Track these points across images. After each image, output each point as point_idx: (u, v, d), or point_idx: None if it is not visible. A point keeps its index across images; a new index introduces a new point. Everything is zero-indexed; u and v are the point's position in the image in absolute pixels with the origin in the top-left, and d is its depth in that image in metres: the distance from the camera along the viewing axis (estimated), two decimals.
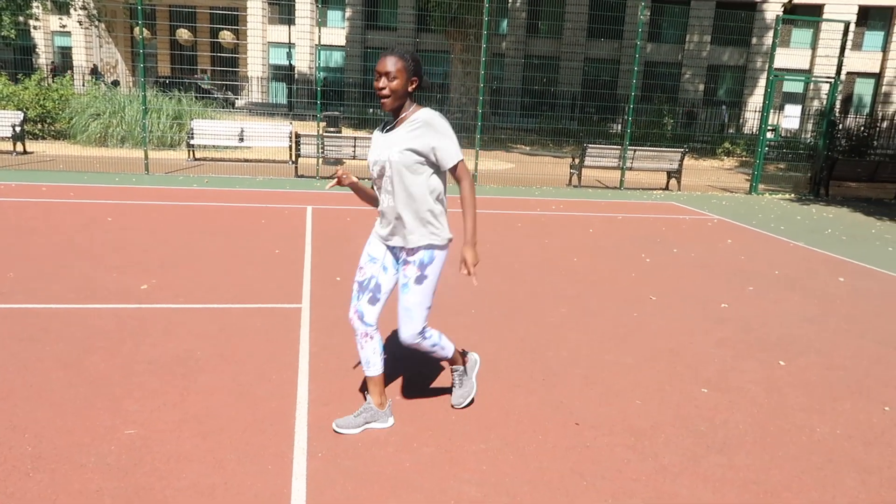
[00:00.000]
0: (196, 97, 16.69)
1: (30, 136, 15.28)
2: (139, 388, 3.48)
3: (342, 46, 37.21)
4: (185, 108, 15.65)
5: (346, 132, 18.63)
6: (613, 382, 3.89)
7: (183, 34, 37.56)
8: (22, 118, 13.14)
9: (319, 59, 12.01)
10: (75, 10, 28.43)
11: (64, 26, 38.97)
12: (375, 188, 3.08)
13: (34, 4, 28.30)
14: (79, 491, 2.59)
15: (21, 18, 27.66)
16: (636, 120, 22.82)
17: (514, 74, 36.16)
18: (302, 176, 12.16)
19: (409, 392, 3.62)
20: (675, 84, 35.72)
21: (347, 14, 36.92)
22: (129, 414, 3.21)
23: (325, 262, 6.24)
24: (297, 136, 12.03)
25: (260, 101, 36.30)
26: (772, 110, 30.57)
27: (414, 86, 2.92)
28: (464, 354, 3.49)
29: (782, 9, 26.27)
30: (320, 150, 12.07)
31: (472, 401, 3.50)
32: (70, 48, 41.18)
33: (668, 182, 13.60)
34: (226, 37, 37.95)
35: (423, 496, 2.68)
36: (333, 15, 37.91)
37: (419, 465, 2.90)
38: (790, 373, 4.17)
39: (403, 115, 2.95)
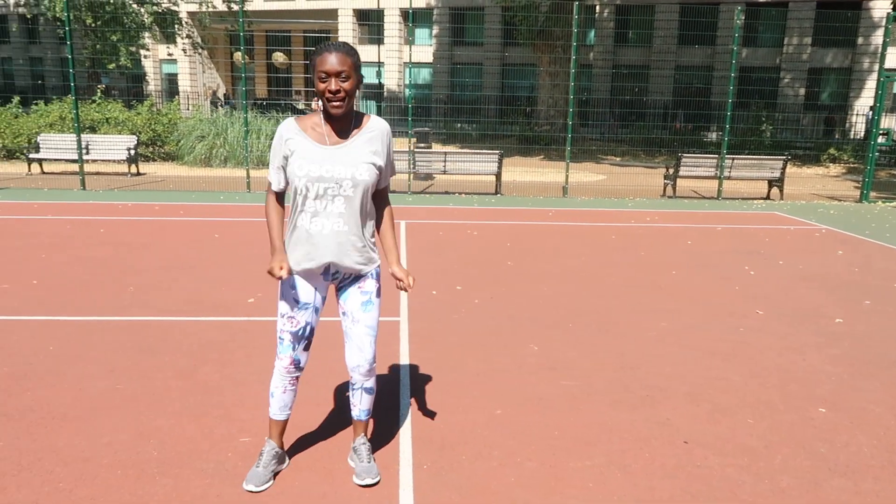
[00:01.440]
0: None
1: (142, 159, 16.31)
2: (250, 398, 3.64)
3: (430, 63, 37.81)
4: None
5: (436, 147, 18.89)
6: (721, 400, 3.74)
7: (279, 57, 39.22)
8: (136, 142, 14.06)
9: (409, 77, 12.26)
10: (181, 38, 30.21)
11: (171, 54, 41.49)
12: (298, 210, 2.62)
13: (146, 35, 30.29)
14: (201, 496, 2.72)
15: (133, 49, 29.66)
16: (733, 128, 22.00)
17: (602, 85, 35.66)
18: (394, 191, 12.40)
19: (509, 406, 3.61)
20: (773, 89, 34.23)
21: (435, 31, 37.53)
22: (243, 423, 3.36)
23: (420, 275, 6.33)
24: None
25: None
26: (883, 113, 28.80)
27: (359, 85, 2.57)
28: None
29: (892, 6, 24.72)
30: (411, 166, 12.29)
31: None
32: (176, 75, 43.81)
33: (769, 191, 13.02)
34: (278, 58, 39.36)
35: None
36: (421, 33, 38.63)
37: (523, 480, 2.89)
38: None
39: (353, 121, 2.61)
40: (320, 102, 2.55)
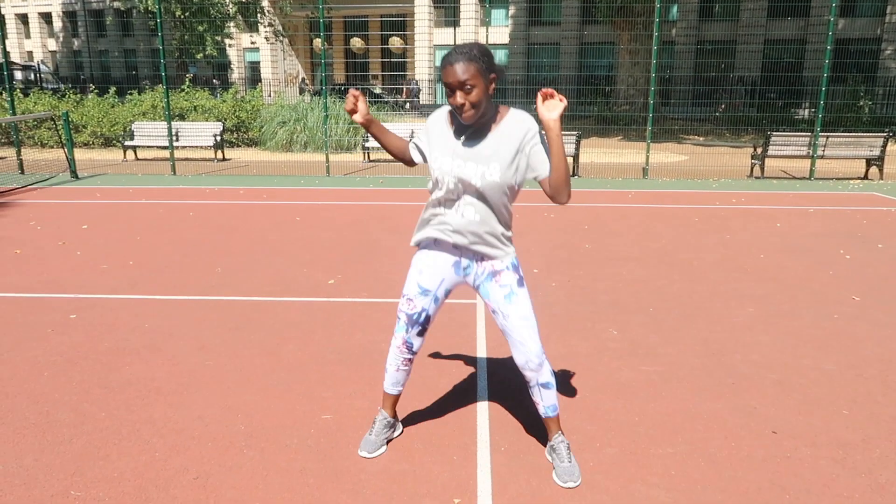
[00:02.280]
0: (370, 102, 17.56)
1: (227, 144, 16.89)
2: (331, 377, 3.73)
3: (506, 44, 37.44)
4: None
5: None
6: (813, 390, 3.57)
7: (356, 43, 39.74)
8: (221, 128, 14.56)
9: None
10: (263, 27, 31.04)
11: (253, 43, 42.72)
12: (439, 194, 2.58)
13: (230, 24, 31.25)
14: (285, 469, 2.82)
15: (219, 38, 30.70)
16: (828, 103, 20.83)
17: (685, 62, 34.39)
18: None
19: (588, 390, 3.56)
20: (872, 62, 32.13)
21: (511, 11, 37.09)
22: (324, 400, 3.44)
23: None
24: None
25: (428, 103, 37.48)
26: None
27: (493, 85, 2.41)
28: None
29: None
30: None
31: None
32: (258, 62, 45.09)
33: (867, 171, 12.26)
34: (395, 42, 39.63)
35: (608, 497, 2.62)
36: (497, 14, 38.26)
37: (603, 466, 2.84)
38: None
39: (487, 119, 2.48)
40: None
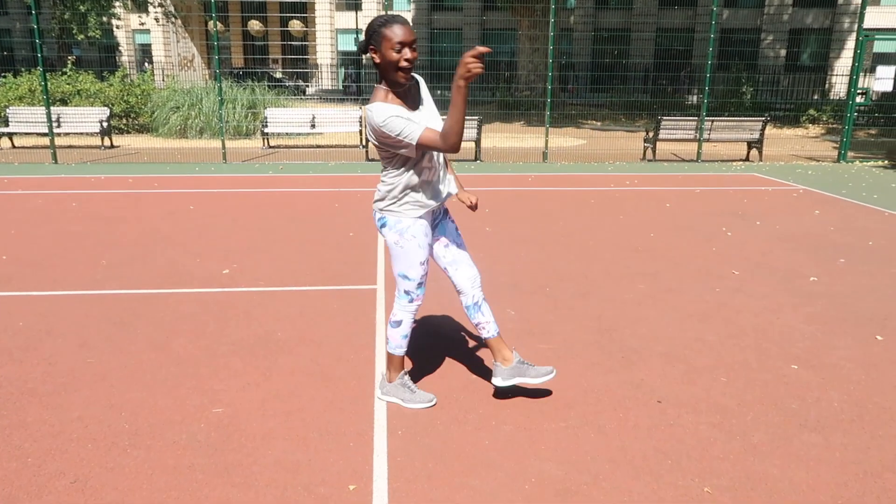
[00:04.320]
0: (269, 86, 17.06)
1: (115, 131, 15.99)
2: (224, 369, 3.60)
3: None
4: (258, 97, 16.04)
5: None
6: (696, 360, 3.76)
7: (254, 25, 38.46)
8: (108, 114, 13.77)
9: None
10: (153, 7, 29.46)
11: (143, 24, 40.53)
12: (426, 164, 2.89)
13: (116, 4, 29.49)
14: (173, 467, 2.70)
15: (105, 19, 28.91)
16: (713, 90, 21.96)
17: (583, 49, 35.39)
18: (372, 160, 12.28)
19: (486, 371, 3.60)
20: (753, 50, 34.15)
21: None
22: (216, 393, 3.32)
23: None
24: None
25: (330, 87, 36.85)
26: (862, 73, 28.86)
27: None
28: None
29: None
30: None
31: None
32: (150, 45, 42.87)
33: (748, 153, 13.04)
34: (295, 26, 38.65)
35: (503, 474, 2.67)
36: None
37: (498, 444, 2.89)
38: (888, 349, 3.94)
39: (410, 83, 2.86)
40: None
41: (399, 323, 3.15)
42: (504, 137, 16.78)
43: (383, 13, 2.72)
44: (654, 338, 4.08)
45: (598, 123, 21.43)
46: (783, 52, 34.15)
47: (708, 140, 12.64)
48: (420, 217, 2.96)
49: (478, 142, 12.38)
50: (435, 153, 2.89)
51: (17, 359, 3.70)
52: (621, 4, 35.09)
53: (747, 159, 12.94)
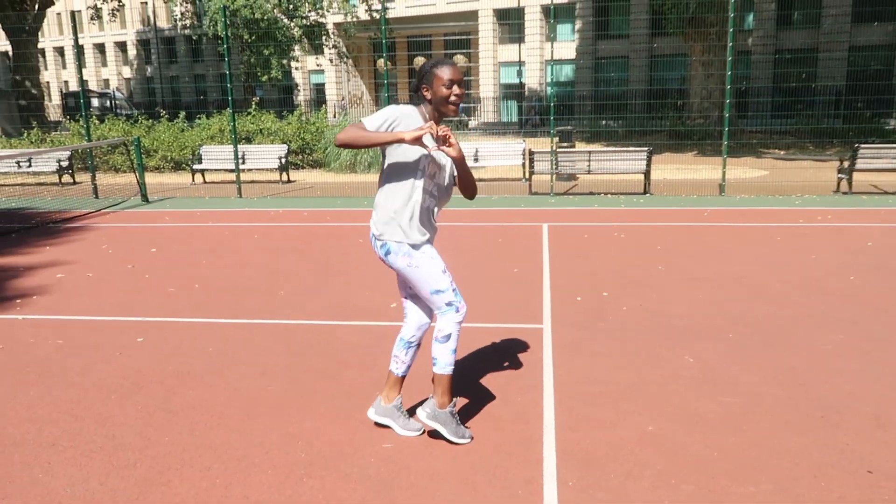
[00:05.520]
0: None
1: (292, 166, 17.22)
2: None
3: (572, 59, 37.11)
4: None
5: (580, 146, 18.44)
6: None
7: (419, 62, 40.18)
8: (286, 150, 14.87)
9: (551, 74, 12.01)
10: (328, 49, 31.75)
11: (319, 65, 43.80)
12: (427, 184, 3.00)
13: (295, 48, 32.09)
14: (344, 500, 2.73)
15: (285, 61, 31.59)
16: None
17: (762, 72, 33.24)
18: (536, 193, 12.21)
19: (662, 422, 3.34)
20: None
21: (578, 26, 36.79)
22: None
23: (564, 280, 6.12)
24: (531, 153, 12.12)
25: (493, 120, 37.49)
26: None
27: None
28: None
29: None
30: (554, 166, 12.04)
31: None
32: (323, 84, 46.20)
33: None
34: (459, 60, 39.88)
35: None
36: (563, 28, 38.05)
37: None
38: None
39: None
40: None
41: (448, 337, 3.06)
42: (676, 169, 16.05)
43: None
44: (860, 396, 3.59)
45: (782, 152, 19.91)
46: None
47: None
48: (423, 242, 3.04)
49: (647, 174, 11.91)
50: (437, 185, 3.04)
51: (207, 382, 3.98)
52: (807, 23, 32.62)
53: None
